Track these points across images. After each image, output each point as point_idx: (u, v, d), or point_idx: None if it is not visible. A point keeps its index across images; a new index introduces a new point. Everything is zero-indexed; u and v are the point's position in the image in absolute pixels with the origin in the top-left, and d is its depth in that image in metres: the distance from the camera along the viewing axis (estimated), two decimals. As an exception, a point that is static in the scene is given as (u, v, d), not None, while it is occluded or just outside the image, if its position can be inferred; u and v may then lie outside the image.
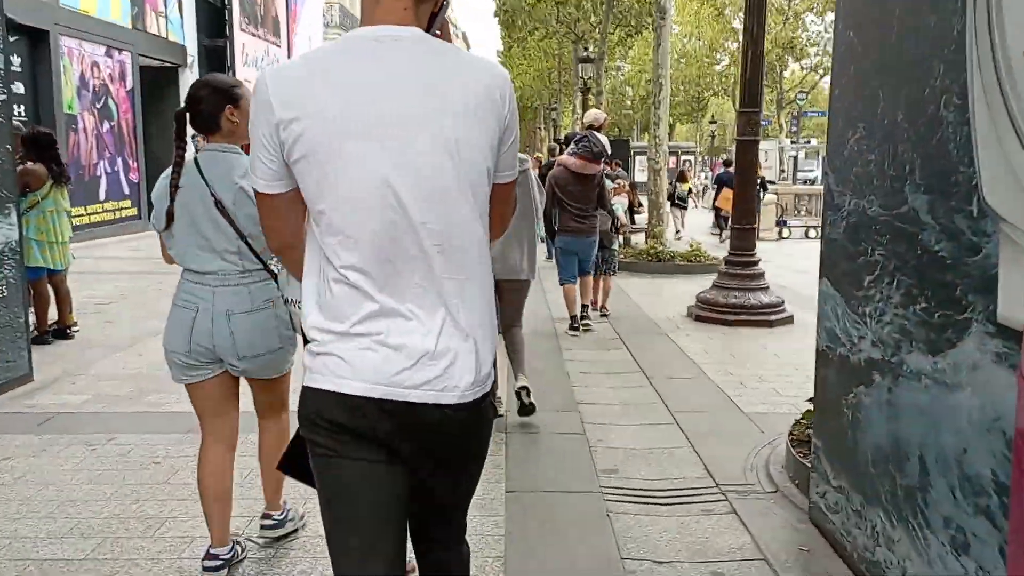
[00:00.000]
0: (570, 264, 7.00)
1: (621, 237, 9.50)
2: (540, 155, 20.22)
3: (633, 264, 10.89)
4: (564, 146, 7.84)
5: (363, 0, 1.49)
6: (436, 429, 1.46)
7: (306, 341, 1.50)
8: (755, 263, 7.52)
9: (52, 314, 6.46)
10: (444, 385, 1.43)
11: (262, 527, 2.99)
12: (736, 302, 7.30)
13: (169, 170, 2.60)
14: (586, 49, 23.53)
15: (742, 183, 7.47)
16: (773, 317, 7.26)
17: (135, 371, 5.46)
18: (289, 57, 25.62)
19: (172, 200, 2.56)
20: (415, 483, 1.55)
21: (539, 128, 52.19)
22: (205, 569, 2.67)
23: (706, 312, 7.44)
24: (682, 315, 7.85)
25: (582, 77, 23.35)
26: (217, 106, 2.58)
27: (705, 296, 7.59)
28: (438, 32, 1.54)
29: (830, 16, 32.24)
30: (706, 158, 52.04)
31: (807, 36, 35.55)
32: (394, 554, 1.52)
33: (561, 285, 7.08)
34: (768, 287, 7.52)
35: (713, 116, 53.20)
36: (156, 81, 19.22)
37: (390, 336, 1.41)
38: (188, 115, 2.62)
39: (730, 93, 48.79)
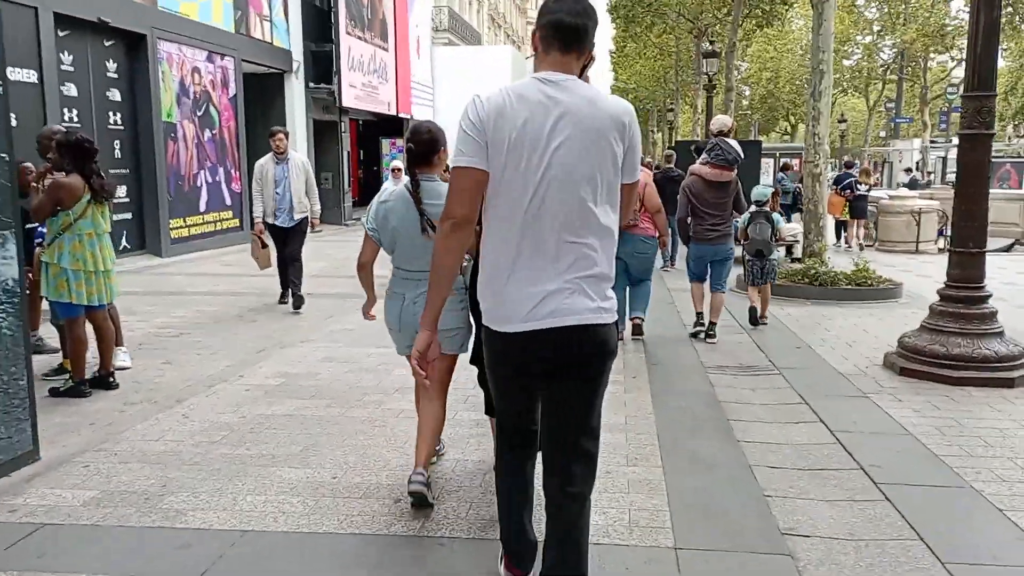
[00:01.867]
0: (700, 267, 7.05)
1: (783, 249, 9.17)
2: (651, 160, 18.49)
3: (788, 288, 9.03)
4: (696, 154, 7.80)
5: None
6: None
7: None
8: (985, 299, 5.61)
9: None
10: None
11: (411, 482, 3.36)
12: (961, 352, 5.41)
13: (387, 192, 3.58)
14: (711, 43, 21.55)
15: (967, 193, 5.55)
16: (1015, 374, 5.34)
17: (168, 447, 4.17)
18: (396, 61, 24.84)
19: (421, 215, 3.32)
20: None
21: (652, 130, 49.99)
22: (411, 482, 3.32)
23: (916, 364, 5.58)
24: (877, 364, 6.00)
25: (706, 73, 21.38)
26: (434, 146, 3.42)
27: (913, 343, 5.70)
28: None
29: None
30: (833, 161, 48.35)
31: (955, 24, 32.05)
32: None
33: (691, 283, 7.24)
34: (1003, 331, 5.59)
35: (843, 114, 49.54)
36: (261, 87, 18.61)
37: None
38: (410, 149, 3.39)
39: (861, 90, 45.31)
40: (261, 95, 18.70)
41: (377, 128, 27.18)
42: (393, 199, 3.42)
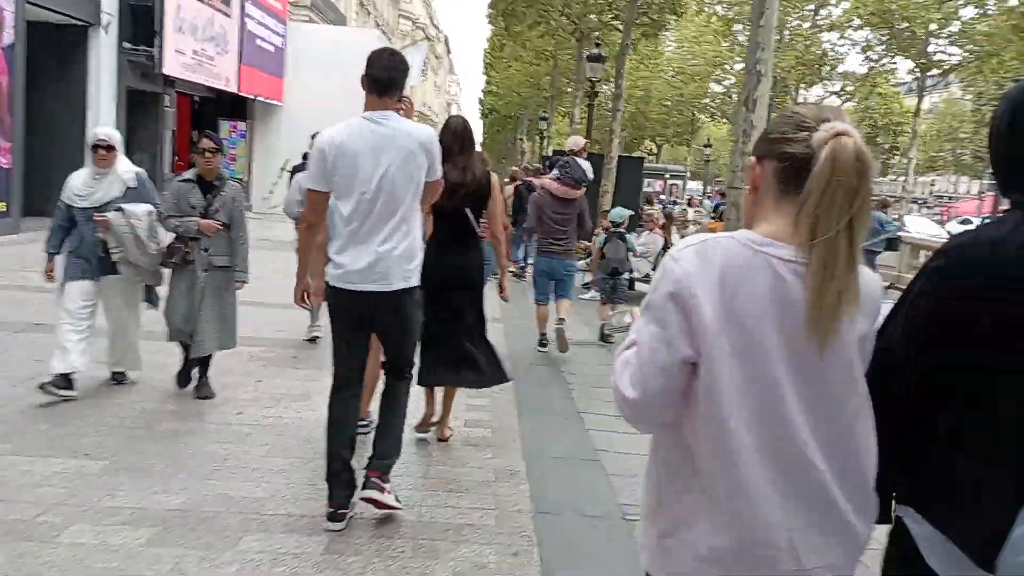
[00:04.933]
0: (544, 286, 7.20)
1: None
2: (515, 169, 16.46)
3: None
4: (546, 168, 8.11)
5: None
6: None
7: None
8: None
9: None
10: None
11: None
12: None
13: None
14: (597, 45, 19.66)
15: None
16: None
17: None
18: (240, 33, 21.44)
19: None
20: None
21: (521, 139, 48.19)
22: None
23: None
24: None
25: (589, 78, 19.48)
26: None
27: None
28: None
29: (861, 34, 28.90)
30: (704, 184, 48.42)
31: (833, 56, 32.08)
32: None
33: (537, 305, 7.36)
34: None
35: (709, 139, 49.80)
36: (56, 41, 14.91)
37: None
38: None
39: (730, 117, 45.43)
40: (57, 51, 15.02)
41: (218, 107, 23.61)
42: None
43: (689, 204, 15.28)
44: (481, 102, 55.79)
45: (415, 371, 3.97)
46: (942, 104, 53.11)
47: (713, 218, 15.53)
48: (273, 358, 6.39)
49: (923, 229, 30.82)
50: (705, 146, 49.22)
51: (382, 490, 3.52)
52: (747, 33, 36.81)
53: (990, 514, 1.37)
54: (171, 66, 17.35)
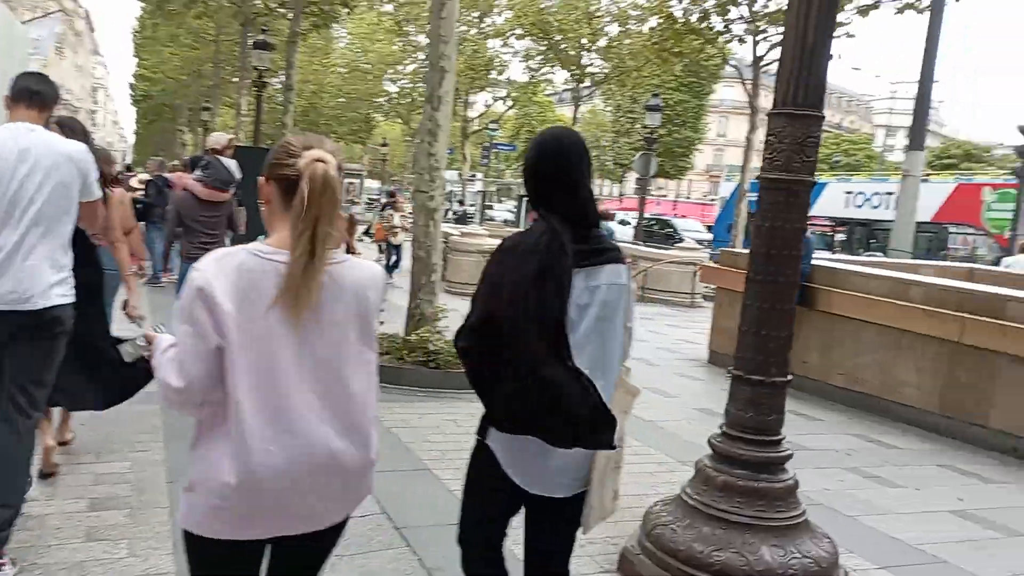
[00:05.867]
0: None
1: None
2: (176, 164, 14.81)
3: (393, 372, 6.25)
4: (189, 168, 7.61)
5: None
6: None
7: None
8: (783, 461, 3.43)
9: None
10: None
11: None
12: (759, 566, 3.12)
13: None
14: (264, 31, 18.15)
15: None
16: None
17: None
18: None
19: None
20: None
21: (182, 130, 43.93)
22: None
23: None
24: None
25: (256, 67, 17.92)
26: None
27: (667, 536, 3.28)
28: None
29: (522, 43, 30.46)
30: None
31: (499, 64, 33.42)
32: None
33: None
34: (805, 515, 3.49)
35: (385, 138, 49.74)
36: None
37: None
38: None
39: (404, 116, 45.65)
40: None
41: None
42: None
43: (393, 207, 14.43)
44: (132, 87, 49.87)
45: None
46: (588, 114, 58.69)
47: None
48: None
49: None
50: (381, 145, 49.08)
51: None
52: (422, 34, 37.51)
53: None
54: None
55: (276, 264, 1.76)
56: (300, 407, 1.78)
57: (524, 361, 2.03)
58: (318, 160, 1.78)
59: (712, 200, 63.41)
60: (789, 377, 3.36)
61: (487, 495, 2.32)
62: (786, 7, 3.31)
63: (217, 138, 6.91)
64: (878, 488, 5.24)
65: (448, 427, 5.52)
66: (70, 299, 3.22)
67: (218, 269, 1.74)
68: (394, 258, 14.26)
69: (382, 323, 6.22)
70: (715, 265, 10.27)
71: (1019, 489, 5.54)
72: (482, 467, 2.28)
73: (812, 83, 3.19)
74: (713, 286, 10.78)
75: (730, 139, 71.24)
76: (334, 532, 1.93)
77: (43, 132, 3.26)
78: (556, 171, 2.22)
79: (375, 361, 1.94)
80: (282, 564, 1.94)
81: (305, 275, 1.74)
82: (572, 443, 2.10)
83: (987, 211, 22.87)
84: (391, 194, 17.15)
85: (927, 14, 13.56)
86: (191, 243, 6.33)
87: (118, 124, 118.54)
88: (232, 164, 6.55)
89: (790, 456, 3.40)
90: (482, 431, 2.28)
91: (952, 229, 24.00)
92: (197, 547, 1.83)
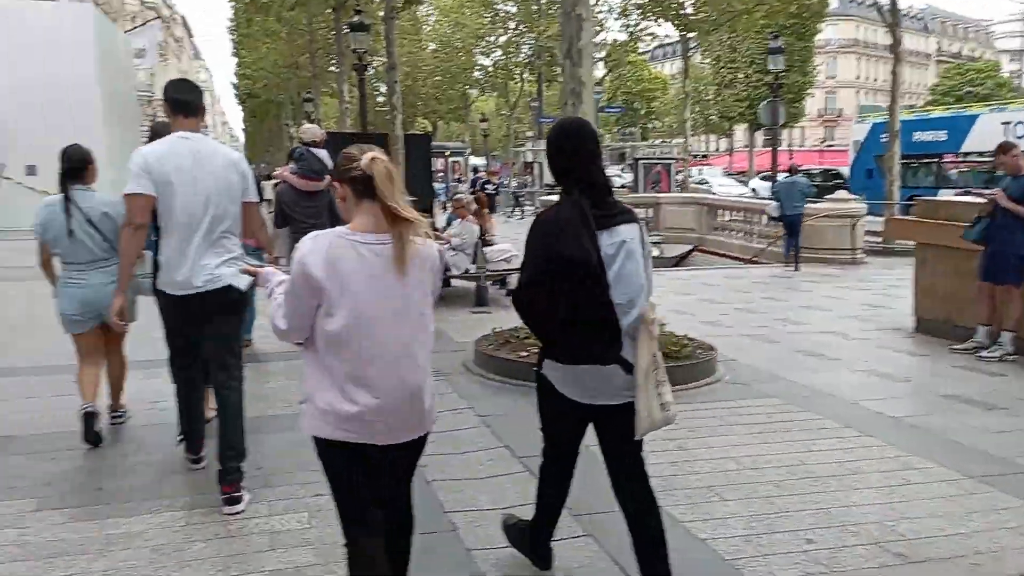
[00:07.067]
0: None
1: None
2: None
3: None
4: (290, 161, 7.57)
5: None
6: None
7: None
8: None
9: None
10: None
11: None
12: None
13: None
14: (358, 12, 17.59)
15: None
16: None
17: None
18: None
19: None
20: None
21: (287, 125, 44.56)
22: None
23: None
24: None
25: (355, 50, 17.40)
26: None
27: None
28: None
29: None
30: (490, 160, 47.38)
31: (594, 21, 31.99)
32: None
33: None
34: None
35: (484, 114, 49.03)
36: None
37: None
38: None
39: (500, 89, 44.83)
40: None
41: None
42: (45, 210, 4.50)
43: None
44: (235, 87, 51.03)
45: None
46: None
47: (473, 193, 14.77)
48: None
49: (730, 190, 31.95)
50: (482, 120, 48.46)
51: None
52: (510, 2, 36.45)
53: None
54: None
55: (354, 242, 2.34)
56: (379, 344, 2.36)
57: (569, 302, 2.59)
58: (375, 158, 2.35)
59: (830, 146, 59.98)
60: None
61: (555, 419, 2.95)
62: None
63: (312, 131, 7.30)
64: None
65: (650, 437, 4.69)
66: (247, 281, 3.70)
67: (314, 246, 2.31)
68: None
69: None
70: (907, 218, 8.94)
71: None
72: (545, 394, 2.89)
73: None
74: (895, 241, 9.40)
75: (840, 80, 67.05)
76: (418, 444, 2.53)
77: (207, 140, 3.86)
78: (574, 150, 2.79)
79: (431, 315, 2.51)
80: (382, 467, 2.50)
81: (401, 244, 2.33)
82: (606, 359, 2.68)
83: None
84: (475, 169, 17.24)
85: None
86: (295, 233, 6.55)
87: (227, 124, 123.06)
88: (323, 154, 6.90)
89: None
90: (538, 364, 2.90)
91: None
92: (319, 448, 2.44)
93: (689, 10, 26.45)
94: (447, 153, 37.93)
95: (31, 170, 18.01)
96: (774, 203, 13.14)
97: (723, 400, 5.56)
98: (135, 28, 39.07)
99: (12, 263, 9.99)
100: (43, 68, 19.50)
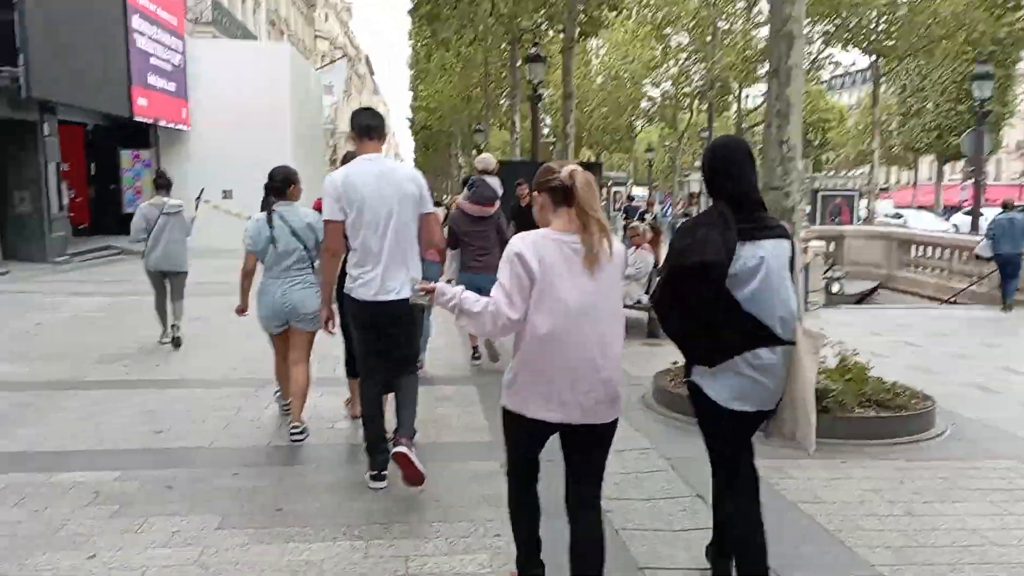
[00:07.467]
0: None
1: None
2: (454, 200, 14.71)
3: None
4: (464, 189, 7.97)
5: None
6: None
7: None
8: None
9: None
10: None
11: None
12: None
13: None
14: (535, 45, 17.75)
15: None
16: None
17: None
18: (127, 49, 18.85)
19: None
20: None
21: (457, 155, 45.99)
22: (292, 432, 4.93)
23: None
24: None
25: (530, 81, 17.55)
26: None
27: None
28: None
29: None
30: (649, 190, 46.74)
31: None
32: None
33: None
34: None
35: (651, 145, 48.47)
36: None
37: None
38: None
39: (668, 119, 44.11)
40: None
41: (111, 135, 20.96)
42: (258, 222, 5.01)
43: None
44: (410, 120, 53.41)
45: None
46: (866, 98, 53.08)
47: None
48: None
49: (928, 225, 29.59)
50: (647, 151, 47.89)
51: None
52: (682, 34, 35.86)
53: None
54: (44, 88, 14.79)
55: (556, 240, 2.72)
56: (581, 329, 2.69)
57: (705, 303, 2.78)
58: (575, 170, 2.76)
59: (1033, 181, 54.45)
60: None
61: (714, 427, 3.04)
62: None
63: (486, 161, 7.69)
64: None
65: (872, 499, 4.13)
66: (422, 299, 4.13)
67: (524, 243, 2.70)
68: None
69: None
70: None
71: None
72: (699, 405, 2.98)
73: None
74: None
75: (1047, 110, 60.83)
76: (606, 428, 2.81)
77: (388, 160, 4.28)
78: (725, 166, 2.93)
79: (622, 310, 2.88)
80: (569, 444, 2.86)
81: (595, 243, 2.68)
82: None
83: None
84: (630, 197, 16.77)
85: None
86: (465, 256, 7.15)
87: (399, 156, 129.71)
88: (495, 181, 7.32)
89: None
90: (687, 372, 3.01)
91: None
92: (505, 419, 2.87)
93: (882, 36, 24.84)
94: (608, 183, 37.66)
95: (227, 194, 19.41)
96: (986, 241, 11.84)
97: (948, 459, 4.85)
98: (324, 65, 41.84)
99: (210, 279, 10.64)
100: (243, 100, 21.15)
